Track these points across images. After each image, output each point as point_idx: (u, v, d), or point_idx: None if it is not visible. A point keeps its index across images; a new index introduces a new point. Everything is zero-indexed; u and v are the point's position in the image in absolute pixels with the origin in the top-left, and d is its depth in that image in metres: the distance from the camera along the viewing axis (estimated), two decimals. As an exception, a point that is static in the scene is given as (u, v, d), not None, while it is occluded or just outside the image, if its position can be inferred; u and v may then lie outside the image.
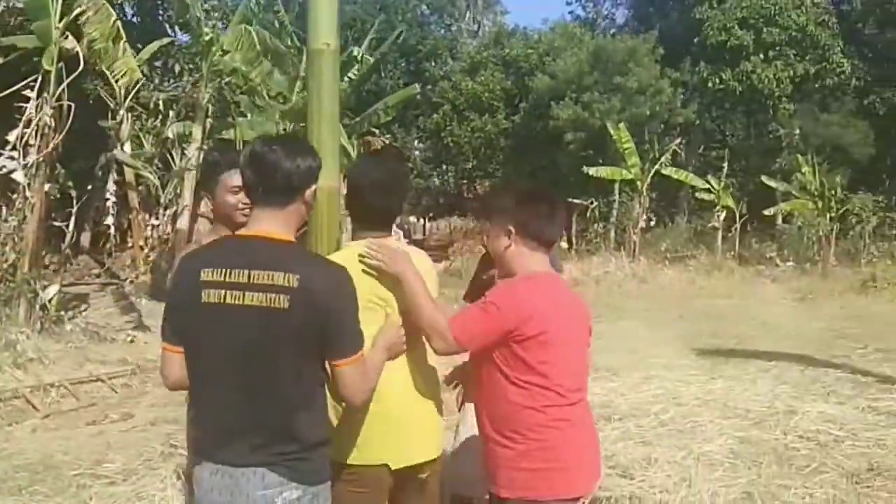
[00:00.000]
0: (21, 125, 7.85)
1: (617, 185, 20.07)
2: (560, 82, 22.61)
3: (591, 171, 19.33)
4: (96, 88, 12.26)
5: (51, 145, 8.14)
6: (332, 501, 1.94)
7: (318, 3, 2.73)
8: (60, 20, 8.47)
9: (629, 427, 5.03)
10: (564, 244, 22.12)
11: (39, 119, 8.06)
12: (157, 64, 15.45)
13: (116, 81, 9.80)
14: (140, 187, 11.80)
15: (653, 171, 19.57)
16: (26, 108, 7.87)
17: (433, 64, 29.86)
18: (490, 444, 2.21)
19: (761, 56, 23.91)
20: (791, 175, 22.01)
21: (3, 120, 8.41)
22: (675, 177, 20.22)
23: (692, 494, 3.76)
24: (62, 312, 8.31)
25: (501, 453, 2.16)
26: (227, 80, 13.23)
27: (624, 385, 6.38)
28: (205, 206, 13.50)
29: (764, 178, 22.04)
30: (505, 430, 2.15)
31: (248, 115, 14.34)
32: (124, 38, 9.49)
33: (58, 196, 9.32)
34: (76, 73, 8.47)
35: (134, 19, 17.15)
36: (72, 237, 8.84)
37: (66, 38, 8.60)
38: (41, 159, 8.10)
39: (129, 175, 11.14)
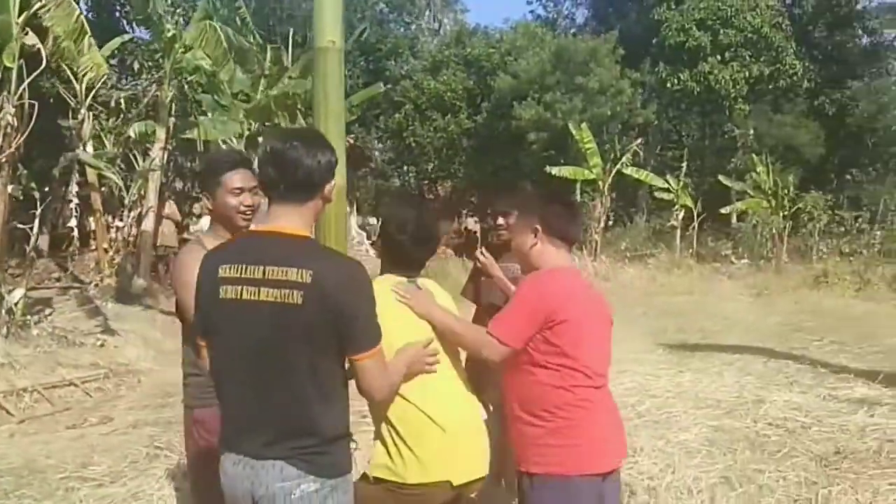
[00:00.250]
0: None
1: (578, 185, 20.38)
2: (522, 82, 22.75)
3: (554, 170, 19.55)
4: (54, 87, 11.98)
5: (13, 145, 7.96)
6: None
7: (323, 1, 2.77)
8: (20, 15, 8.26)
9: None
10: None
11: (2, 118, 7.88)
12: (113, 62, 15.13)
13: (84, 77, 9.57)
14: (103, 188, 11.55)
15: (614, 171, 19.93)
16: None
17: (394, 63, 29.78)
18: (519, 425, 2.34)
19: (718, 57, 24.45)
20: (745, 174, 22.64)
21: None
22: (636, 176, 20.59)
23: (677, 480, 3.93)
24: (27, 317, 8.14)
25: (531, 432, 2.29)
26: (190, 78, 13.03)
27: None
28: (168, 208, 13.34)
29: (721, 178, 22.61)
30: (536, 410, 2.29)
31: (210, 114, 14.15)
32: (89, 34, 9.28)
33: (20, 198, 9.10)
34: (39, 70, 8.28)
35: (89, 15, 16.77)
36: (35, 240, 8.64)
37: (27, 34, 8.41)
38: (4, 160, 7.91)
39: (92, 176, 10.89)
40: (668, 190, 21.20)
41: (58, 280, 11.87)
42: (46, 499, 4.07)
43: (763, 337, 9.42)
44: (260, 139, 13.57)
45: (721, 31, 24.29)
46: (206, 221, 13.13)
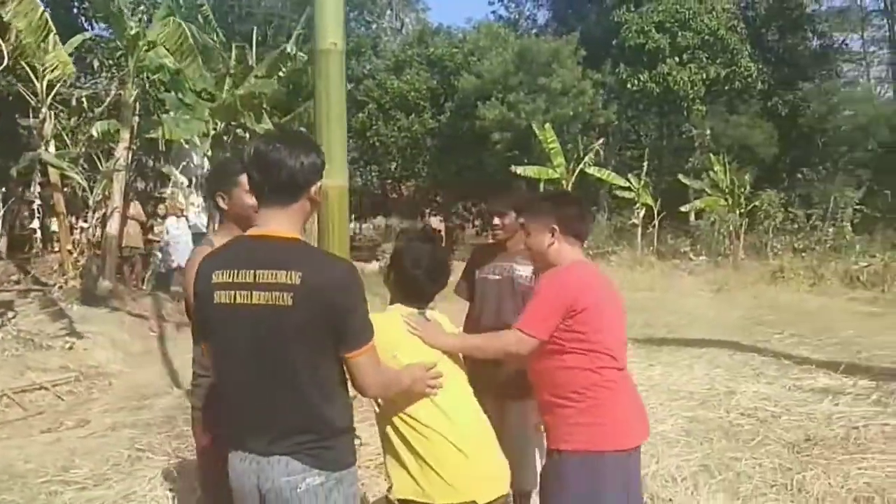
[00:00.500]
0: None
1: (542, 185, 20.61)
2: (486, 82, 22.89)
3: (519, 170, 19.74)
4: (10, 85, 11.66)
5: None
6: None
7: (325, 3, 2.80)
8: (-22, 10, 8.07)
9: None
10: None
11: (-37, 117, 7.68)
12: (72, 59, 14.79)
13: (46, 75, 9.32)
14: (66, 189, 11.28)
15: (577, 171, 20.22)
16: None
17: (356, 62, 29.66)
18: (550, 408, 2.51)
19: (676, 59, 24.97)
20: (702, 173, 23.20)
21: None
22: (599, 175, 20.93)
23: (662, 469, 4.08)
24: (-9, 320, 7.96)
25: (561, 413, 2.46)
26: (154, 76, 12.80)
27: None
28: (133, 209, 13.09)
29: (680, 177, 23.12)
30: (566, 393, 2.45)
31: (173, 113, 13.92)
32: (54, 31, 9.06)
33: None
34: (0, 67, 8.09)
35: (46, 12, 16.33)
36: (-3, 240, 8.43)
37: (-15, 30, 8.20)
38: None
39: (54, 176, 10.61)
40: (629, 189, 21.59)
41: (17, 283, 11.56)
42: (29, 503, 4.01)
43: (726, 331, 9.70)
44: (226, 139, 13.44)
45: (679, 34, 24.81)
46: (171, 222, 12.96)
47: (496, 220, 3.38)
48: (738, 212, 21.39)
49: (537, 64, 22.56)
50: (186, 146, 15.46)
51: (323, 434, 1.91)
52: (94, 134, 11.69)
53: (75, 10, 16.48)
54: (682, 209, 22.53)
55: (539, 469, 3.27)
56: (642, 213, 21.79)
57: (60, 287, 10.26)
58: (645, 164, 22.57)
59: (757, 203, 21.58)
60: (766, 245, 20.95)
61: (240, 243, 2.03)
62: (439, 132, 25.29)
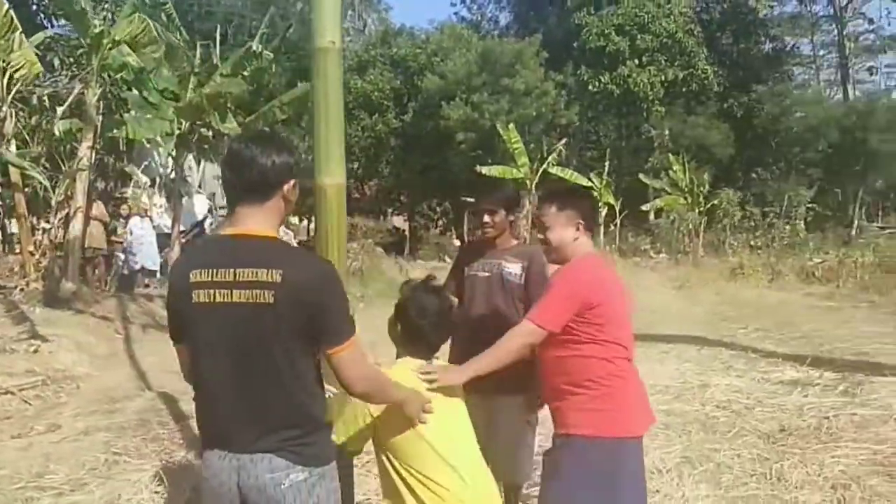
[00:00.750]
0: None
1: (507, 185, 20.69)
2: (449, 83, 23.01)
3: (484, 170, 19.86)
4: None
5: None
6: None
7: (323, 1, 2.79)
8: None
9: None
10: (457, 242, 22.66)
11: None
12: (32, 57, 14.38)
13: (11, 73, 9.02)
14: (27, 189, 10.96)
15: (541, 171, 20.43)
16: None
17: (319, 62, 29.41)
18: (562, 395, 2.58)
19: (636, 61, 25.44)
20: (662, 173, 23.69)
21: None
22: (562, 175, 21.17)
23: (647, 461, 4.14)
24: (-50, 324, 7.69)
25: (573, 399, 2.54)
26: (117, 75, 12.52)
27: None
28: (96, 209, 12.78)
29: (641, 176, 23.55)
30: (581, 381, 2.52)
31: (135, 112, 13.64)
32: (20, 29, 8.80)
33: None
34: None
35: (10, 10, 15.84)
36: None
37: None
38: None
39: (15, 176, 10.30)
40: (591, 188, 21.89)
41: (-28, 286, 11.19)
42: (8, 510, 3.92)
43: (693, 326, 9.92)
44: (191, 138, 13.22)
45: (638, 37, 25.31)
46: (135, 222, 12.71)
47: (486, 218, 3.38)
48: (697, 210, 21.90)
49: (500, 65, 22.75)
50: (148, 146, 15.17)
51: (307, 429, 1.93)
52: (57, 133, 11.40)
53: (34, 7, 16.02)
54: (643, 208, 22.96)
55: (528, 464, 3.34)
56: (604, 212, 22.13)
57: (22, 289, 9.96)
58: (606, 163, 22.92)
59: (716, 202, 22.11)
60: (724, 243, 21.51)
61: (217, 242, 2.03)
62: (403, 132, 25.31)
